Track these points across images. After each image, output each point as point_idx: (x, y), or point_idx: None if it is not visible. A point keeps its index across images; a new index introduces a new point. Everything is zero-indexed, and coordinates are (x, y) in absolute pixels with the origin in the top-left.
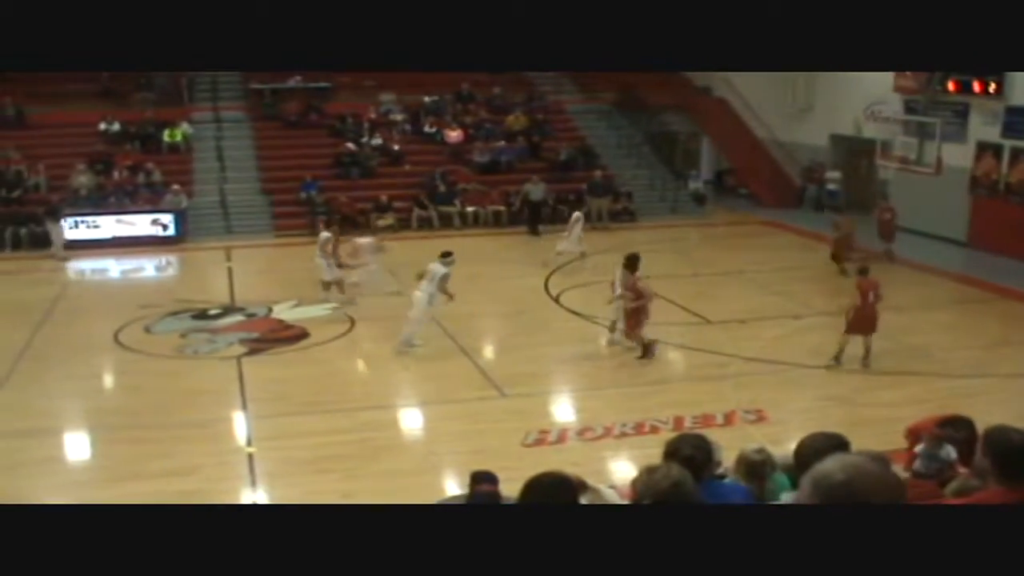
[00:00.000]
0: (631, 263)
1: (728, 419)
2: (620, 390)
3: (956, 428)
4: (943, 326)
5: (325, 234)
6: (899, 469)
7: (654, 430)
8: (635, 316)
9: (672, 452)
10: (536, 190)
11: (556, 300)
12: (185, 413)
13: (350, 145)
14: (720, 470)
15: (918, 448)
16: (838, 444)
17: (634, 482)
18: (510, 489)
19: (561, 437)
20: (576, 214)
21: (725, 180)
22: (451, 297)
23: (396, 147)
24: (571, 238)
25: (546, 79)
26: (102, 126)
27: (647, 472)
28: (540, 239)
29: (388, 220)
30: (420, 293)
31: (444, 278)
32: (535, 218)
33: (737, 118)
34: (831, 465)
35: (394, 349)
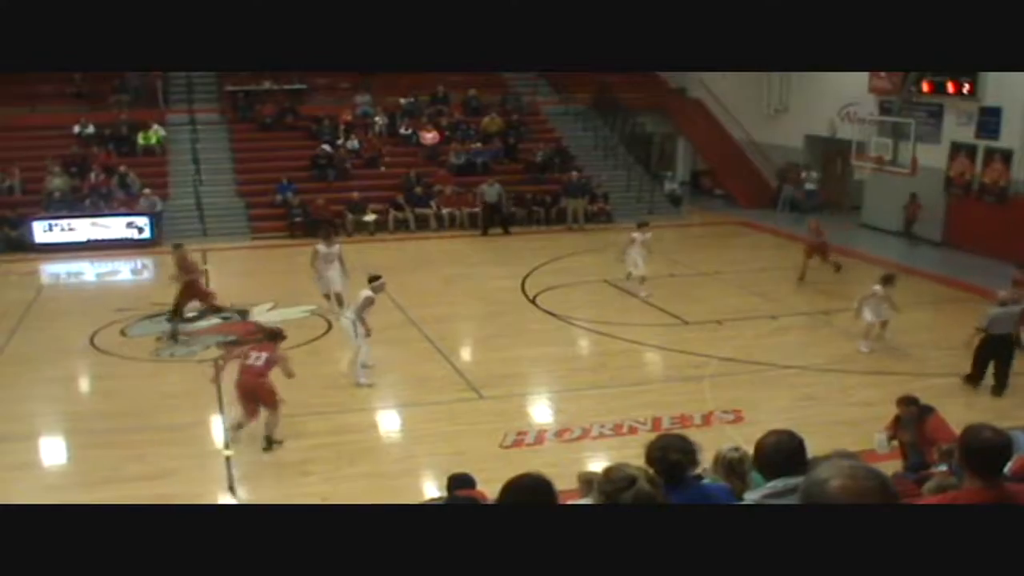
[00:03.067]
0: None
1: (706, 419)
2: (598, 391)
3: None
4: (920, 325)
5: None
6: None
7: (632, 431)
8: None
9: (658, 458)
10: (491, 191)
11: (532, 301)
12: (161, 416)
13: (326, 147)
14: (697, 470)
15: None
16: (794, 442)
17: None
18: (489, 491)
19: (539, 438)
20: (634, 235)
21: (701, 181)
22: (368, 331)
23: (380, 155)
24: (634, 258)
25: (521, 81)
26: (77, 128)
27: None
28: (512, 238)
29: (370, 216)
30: (345, 320)
31: (366, 304)
32: (491, 219)
33: (713, 119)
34: (826, 472)
35: (353, 384)
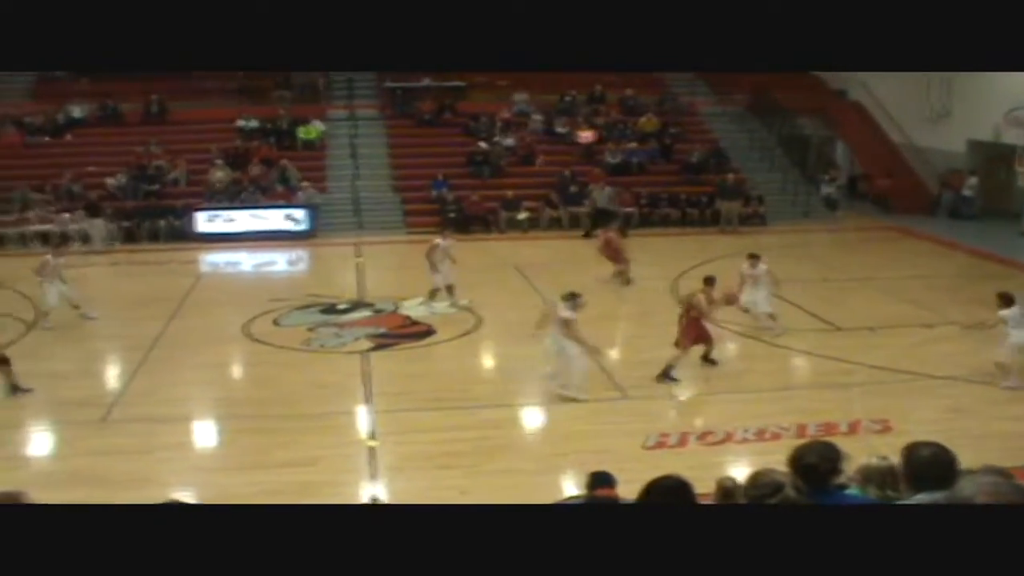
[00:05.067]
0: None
1: (852, 428)
2: (743, 395)
3: None
4: None
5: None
6: None
7: (775, 437)
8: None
9: (795, 459)
10: (602, 195)
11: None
12: (310, 405)
13: (482, 144)
14: (842, 479)
15: None
16: (949, 456)
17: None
18: (628, 492)
19: (682, 441)
20: (744, 269)
21: (858, 185)
22: (585, 346)
23: (535, 152)
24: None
25: (679, 80)
26: (240, 123)
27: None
28: (665, 240)
29: (524, 214)
30: (548, 342)
31: (566, 323)
32: (596, 223)
33: (872, 122)
34: (969, 488)
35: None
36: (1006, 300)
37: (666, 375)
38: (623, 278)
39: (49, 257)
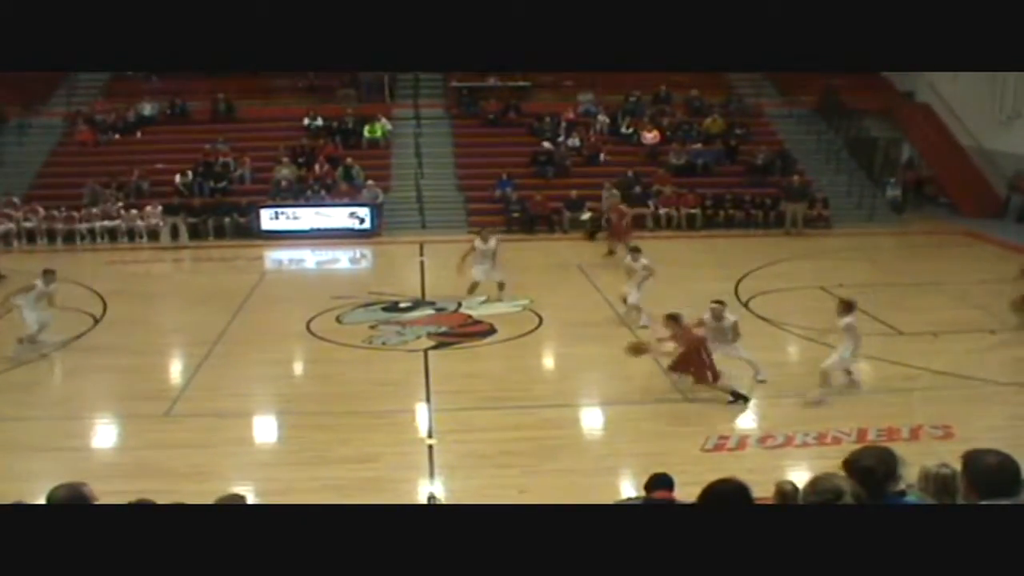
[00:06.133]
0: None
1: (914, 434)
2: (804, 399)
3: None
4: None
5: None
6: None
7: (836, 441)
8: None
9: (851, 462)
10: (609, 198)
11: (745, 305)
12: (371, 402)
13: (546, 144)
14: (901, 486)
15: None
16: (1015, 465)
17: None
18: (686, 494)
19: (741, 444)
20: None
21: (925, 188)
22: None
23: (600, 153)
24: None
25: (745, 81)
26: (306, 121)
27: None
28: (728, 241)
29: (587, 214)
30: (729, 350)
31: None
32: (598, 226)
33: (940, 124)
34: None
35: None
36: None
37: (735, 396)
38: (610, 251)
39: (39, 282)
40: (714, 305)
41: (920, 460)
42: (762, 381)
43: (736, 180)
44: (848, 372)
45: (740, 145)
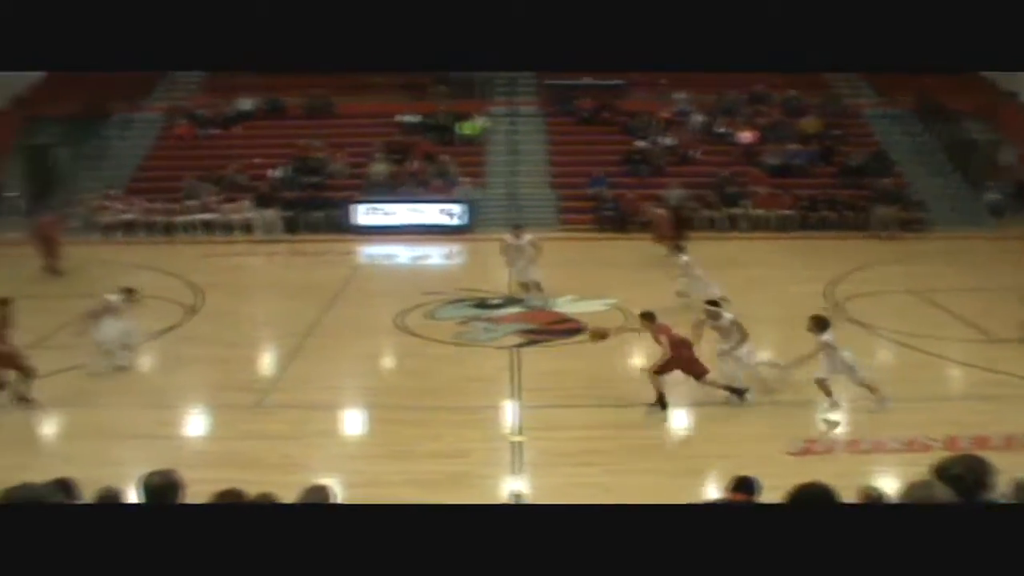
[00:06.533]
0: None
1: (1007, 443)
2: (894, 404)
3: None
4: None
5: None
6: None
7: (925, 448)
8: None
9: (941, 470)
10: (674, 196)
11: (837, 308)
12: (458, 398)
13: (641, 143)
14: (993, 495)
15: None
16: None
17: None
18: (771, 498)
19: (828, 448)
20: None
21: None
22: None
23: (694, 152)
24: None
25: (843, 81)
26: (401, 117)
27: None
28: (821, 243)
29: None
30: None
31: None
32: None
33: None
34: None
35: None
36: None
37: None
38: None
39: (114, 298)
40: (707, 307)
41: (1013, 470)
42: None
43: (831, 181)
44: (869, 388)
45: (836, 146)
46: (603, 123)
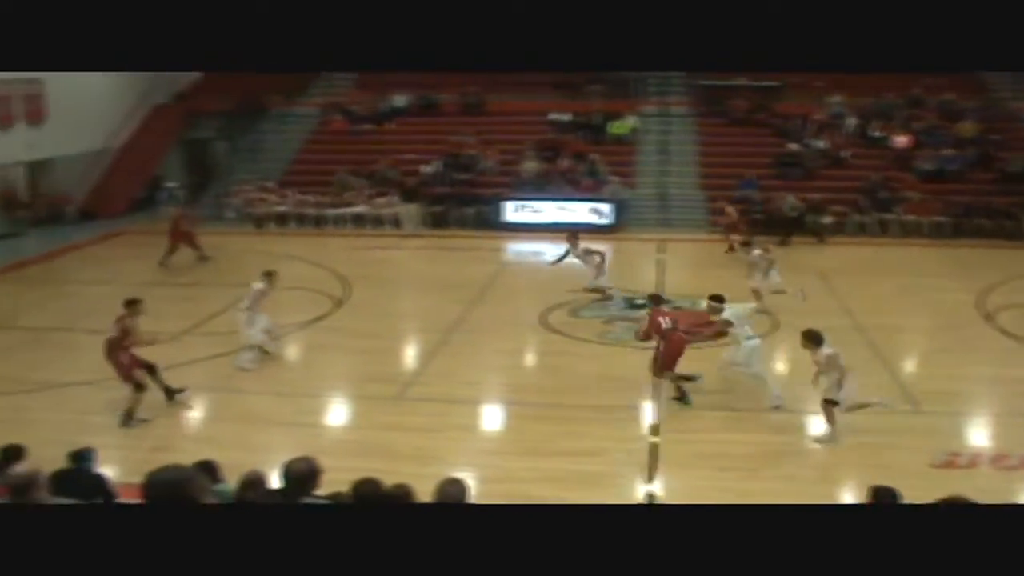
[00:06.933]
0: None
1: None
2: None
3: None
4: None
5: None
6: None
7: None
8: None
9: None
10: (786, 204)
11: (990, 318)
12: (598, 397)
13: (793, 146)
14: None
15: None
16: None
17: None
18: None
19: (972, 462)
20: None
21: None
22: None
23: (846, 155)
24: None
25: (1004, 83)
26: (552, 116)
27: None
28: (978, 252)
29: (828, 218)
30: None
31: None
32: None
33: None
34: None
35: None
36: None
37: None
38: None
39: (260, 284)
40: (711, 302)
41: None
42: (777, 407)
43: (988, 188)
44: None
45: (995, 151)
46: (755, 125)
